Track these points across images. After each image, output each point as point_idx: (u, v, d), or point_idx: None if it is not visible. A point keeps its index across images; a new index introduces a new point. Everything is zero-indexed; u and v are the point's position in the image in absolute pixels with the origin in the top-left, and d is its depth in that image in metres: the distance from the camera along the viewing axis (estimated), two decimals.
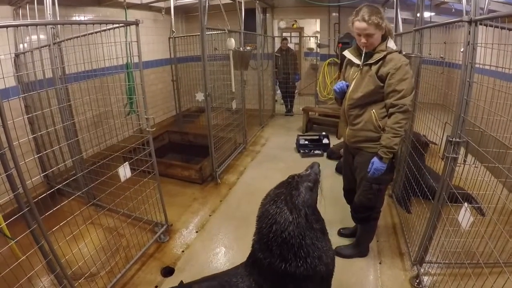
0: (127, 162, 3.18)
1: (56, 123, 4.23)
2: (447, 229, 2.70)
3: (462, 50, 2.39)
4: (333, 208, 4.02)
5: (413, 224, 3.44)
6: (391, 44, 2.62)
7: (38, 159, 4.37)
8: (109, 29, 3.11)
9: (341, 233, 3.70)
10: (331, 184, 3.99)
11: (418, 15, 3.93)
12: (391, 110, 2.57)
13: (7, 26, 2.23)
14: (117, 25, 3.08)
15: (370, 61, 2.61)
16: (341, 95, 2.82)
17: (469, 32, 2.29)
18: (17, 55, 4.36)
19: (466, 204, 2.42)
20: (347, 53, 2.83)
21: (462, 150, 2.47)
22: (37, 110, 4.35)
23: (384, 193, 2.98)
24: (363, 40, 2.58)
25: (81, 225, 2.74)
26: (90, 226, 2.91)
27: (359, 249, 3.33)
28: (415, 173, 3.46)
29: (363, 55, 2.65)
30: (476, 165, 2.55)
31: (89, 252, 2.85)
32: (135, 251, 3.36)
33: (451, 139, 2.47)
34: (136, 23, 3.01)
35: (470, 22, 2.27)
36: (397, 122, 2.52)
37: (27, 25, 3.09)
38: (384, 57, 2.55)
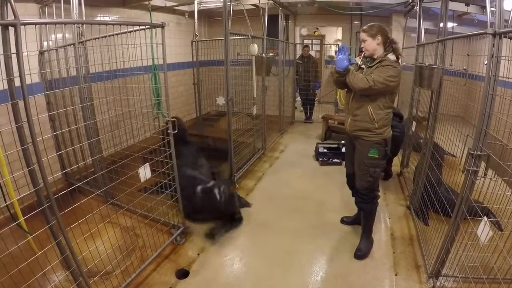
0: (147, 163, 3.20)
1: (78, 121, 4.31)
2: (465, 242, 2.66)
3: (485, 62, 2.37)
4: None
5: (430, 237, 3.38)
6: (391, 56, 3.15)
7: (58, 156, 4.46)
8: (135, 31, 3.14)
9: (344, 221, 4.12)
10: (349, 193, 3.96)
11: (441, 25, 3.89)
12: None
13: (36, 24, 2.26)
14: (144, 27, 3.10)
15: (371, 65, 3.19)
16: (341, 68, 3.15)
17: (493, 44, 2.27)
18: (41, 53, 4.43)
19: (485, 218, 2.39)
20: (357, 59, 3.38)
21: (482, 164, 2.44)
22: (59, 108, 4.40)
23: (379, 176, 3.44)
24: (362, 44, 3.26)
25: (98, 223, 2.77)
26: (107, 224, 2.93)
27: (369, 237, 3.61)
28: (433, 184, 3.44)
29: (362, 57, 3.29)
30: (496, 179, 2.52)
31: (106, 251, 2.85)
32: (151, 251, 3.36)
33: (472, 152, 2.44)
34: (162, 26, 3.02)
35: (494, 34, 2.25)
36: (358, 77, 3.04)
37: (55, 23, 3.14)
38: (380, 62, 3.12)
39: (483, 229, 2.37)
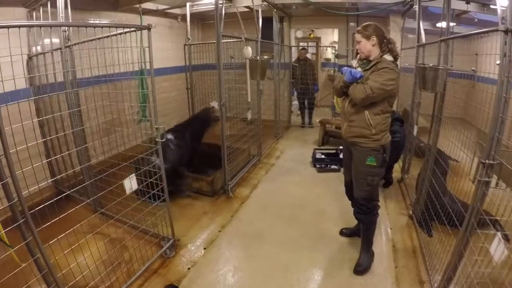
0: (133, 174, 3.06)
1: (66, 127, 4.26)
2: (474, 258, 2.44)
3: (497, 62, 2.21)
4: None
5: (435, 249, 3.19)
6: (387, 57, 3.03)
7: (48, 163, 4.38)
8: (120, 34, 2.97)
9: (343, 233, 3.93)
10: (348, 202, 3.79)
11: (444, 25, 3.75)
12: None
13: (13, 26, 2.10)
14: (129, 29, 2.93)
15: (366, 67, 3.07)
16: (350, 80, 3.02)
17: (506, 42, 2.10)
18: (29, 57, 4.37)
19: (499, 234, 2.20)
20: (353, 62, 3.33)
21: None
22: (48, 113, 4.37)
23: (377, 184, 3.23)
24: (357, 46, 3.17)
25: (85, 233, 2.68)
26: (94, 235, 2.80)
27: (368, 251, 3.43)
28: (438, 193, 3.27)
29: (358, 59, 3.22)
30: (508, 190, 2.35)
31: (88, 266, 2.69)
32: (138, 265, 3.21)
33: (484, 161, 2.22)
34: (148, 28, 2.86)
35: (506, 31, 2.08)
36: (357, 88, 2.92)
37: (31, 26, 2.98)
38: (376, 64, 3.00)
39: (497, 247, 2.18)
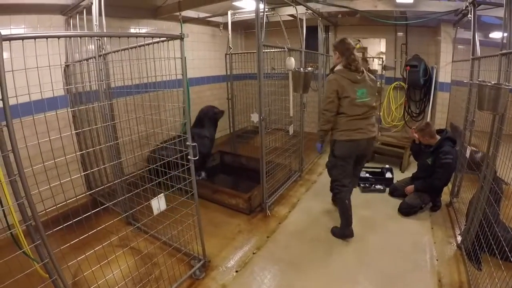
0: (162, 194, 2.90)
1: (100, 134, 4.29)
2: None
3: None
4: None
5: (484, 285, 2.79)
6: (337, 68, 3.65)
7: (83, 169, 4.62)
8: (148, 44, 2.86)
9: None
10: (397, 229, 3.38)
11: (500, 35, 3.37)
12: None
13: (22, 38, 1.92)
14: (159, 38, 2.78)
15: None
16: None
17: None
18: (67, 65, 4.48)
19: None
20: None
21: None
22: (84, 120, 4.55)
23: (331, 172, 4.16)
24: None
25: (115, 245, 2.75)
26: (123, 248, 2.86)
27: (341, 225, 4.05)
28: (491, 223, 2.92)
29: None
30: None
31: (118, 281, 2.67)
32: (165, 285, 3.09)
33: None
34: (181, 37, 2.68)
35: None
36: (320, 121, 3.85)
37: (59, 37, 2.83)
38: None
39: None
